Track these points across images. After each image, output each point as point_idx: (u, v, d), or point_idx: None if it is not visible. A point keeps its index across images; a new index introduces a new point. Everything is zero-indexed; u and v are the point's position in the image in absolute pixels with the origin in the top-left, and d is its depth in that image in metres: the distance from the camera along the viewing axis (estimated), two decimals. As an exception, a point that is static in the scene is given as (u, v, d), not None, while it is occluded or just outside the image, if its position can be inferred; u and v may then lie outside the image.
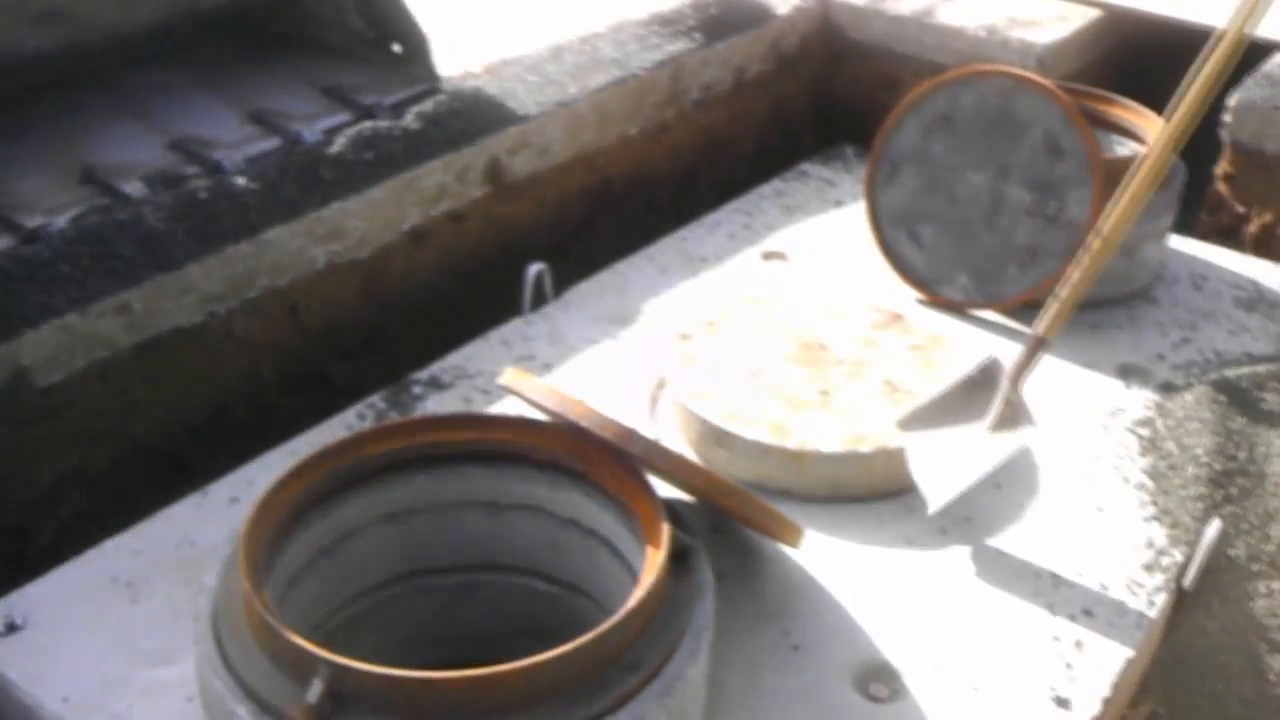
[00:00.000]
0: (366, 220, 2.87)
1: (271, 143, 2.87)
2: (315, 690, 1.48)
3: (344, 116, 3.00)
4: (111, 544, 2.20)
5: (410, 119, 3.01)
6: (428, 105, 3.09)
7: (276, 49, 3.33)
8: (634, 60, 3.57)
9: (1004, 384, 2.41)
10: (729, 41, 3.84)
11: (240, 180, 2.69)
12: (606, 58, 3.55)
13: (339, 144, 2.88)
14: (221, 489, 2.34)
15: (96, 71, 3.12)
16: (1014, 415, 2.40)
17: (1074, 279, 2.38)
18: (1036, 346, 2.42)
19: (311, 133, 2.88)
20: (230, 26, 3.33)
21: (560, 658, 1.54)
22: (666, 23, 3.79)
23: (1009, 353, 2.45)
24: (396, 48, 3.31)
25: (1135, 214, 2.35)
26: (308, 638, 1.56)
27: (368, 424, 2.49)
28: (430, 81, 3.22)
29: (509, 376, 2.04)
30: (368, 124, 2.95)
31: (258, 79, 3.16)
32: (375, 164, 2.89)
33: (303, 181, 2.76)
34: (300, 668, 1.52)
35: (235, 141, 2.85)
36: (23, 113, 2.96)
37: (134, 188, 2.64)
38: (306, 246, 2.75)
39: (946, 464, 2.34)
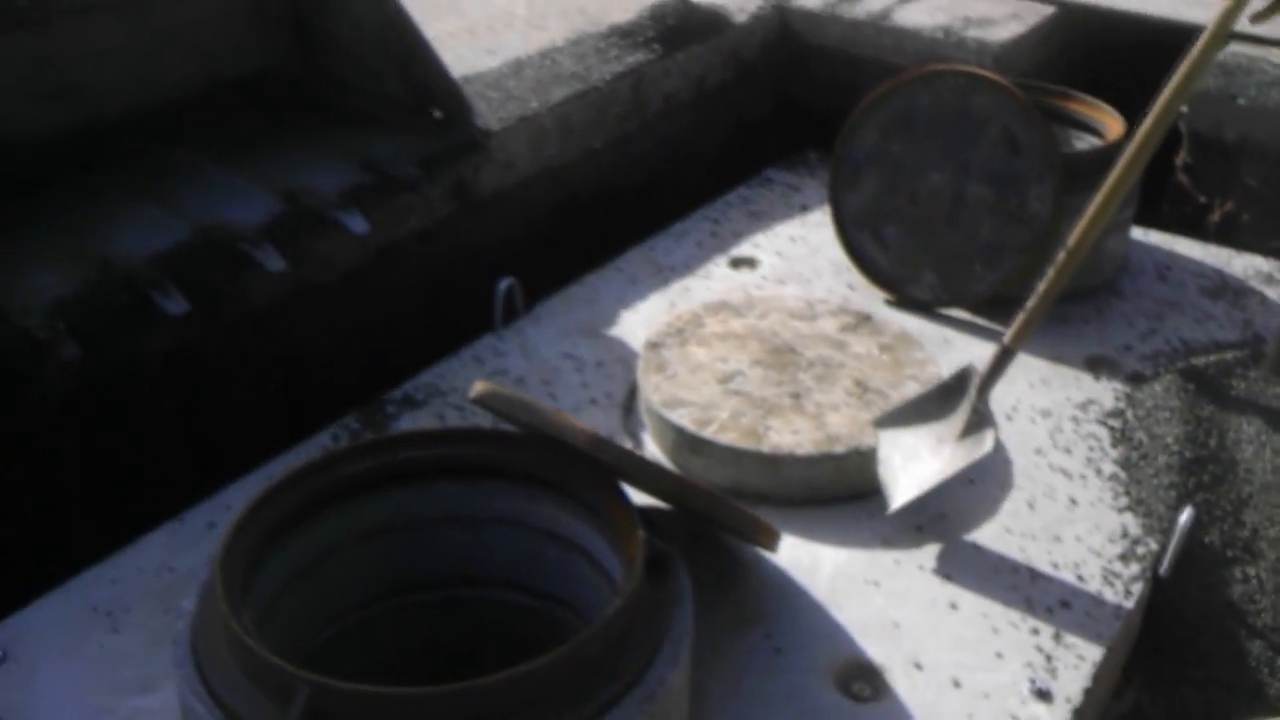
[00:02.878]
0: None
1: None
2: (295, 710, 1.48)
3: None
4: (90, 573, 2.19)
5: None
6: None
7: (306, 119, 3.13)
8: (595, 73, 3.58)
9: (971, 392, 2.43)
10: (688, 51, 3.86)
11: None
12: (567, 71, 3.57)
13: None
14: (198, 515, 2.33)
15: (113, 152, 2.88)
16: (979, 423, 2.41)
17: (1040, 291, 2.40)
18: (1003, 357, 2.44)
19: (357, 223, 2.76)
20: (256, 97, 3.15)
21: (539, 668, 1.53)
22: (625, 34, 3.81)
23: (975, 348, 2.46)
24: (437, 113, 3.16)
25: (1101, 225, 2.37)
26: (290, 659, 1.55)
27: (343, 444, 2.49)
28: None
29: (479, 389, 2.04)
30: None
31: (288, 152, 2.97)
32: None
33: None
34: (280, 689, 1.52)
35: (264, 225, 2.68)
36: (33, 199, 2.72)
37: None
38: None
39: (910, 467, 2.36)
